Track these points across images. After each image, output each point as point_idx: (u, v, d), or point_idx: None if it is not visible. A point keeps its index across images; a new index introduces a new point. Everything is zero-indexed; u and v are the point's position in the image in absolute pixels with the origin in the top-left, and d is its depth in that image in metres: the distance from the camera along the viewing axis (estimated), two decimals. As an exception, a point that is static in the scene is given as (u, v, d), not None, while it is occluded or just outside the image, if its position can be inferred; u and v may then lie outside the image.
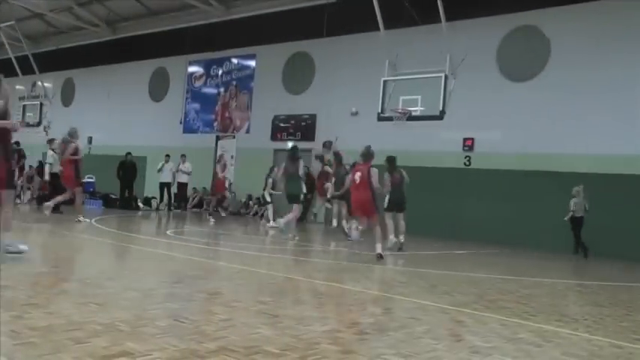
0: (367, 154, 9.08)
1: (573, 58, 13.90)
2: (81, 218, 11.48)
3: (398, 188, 10.55)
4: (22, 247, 5.91)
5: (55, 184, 14.46)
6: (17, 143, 16.33)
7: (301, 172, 11.23)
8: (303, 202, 11.61)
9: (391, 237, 10.29)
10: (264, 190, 14.97)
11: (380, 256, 8.48)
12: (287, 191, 11.32)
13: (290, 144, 18.98)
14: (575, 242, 12.82)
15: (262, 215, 16.26)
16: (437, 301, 5.42)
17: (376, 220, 8.83)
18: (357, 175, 8.99)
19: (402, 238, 10.48)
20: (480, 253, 11.64)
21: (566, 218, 12.70)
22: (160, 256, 7.26)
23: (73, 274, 5.52)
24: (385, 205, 10.49)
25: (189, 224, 14.60)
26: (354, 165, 10.81)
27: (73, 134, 12.07)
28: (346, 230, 11.59)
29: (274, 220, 13.90)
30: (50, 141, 15.10)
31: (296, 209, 11.13)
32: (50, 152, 14.73)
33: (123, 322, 3.59)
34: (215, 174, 16.42)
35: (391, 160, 10.61)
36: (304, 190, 11.40)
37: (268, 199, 14.84)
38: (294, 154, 11.22)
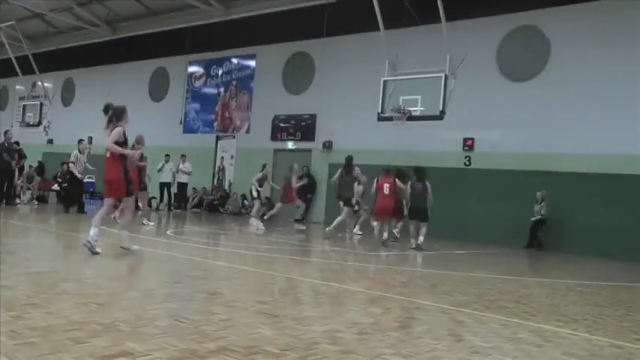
0: (389, 169, 11.41)
1: (573, 57, 13.91)
2: (145, 221, 11.91)
3: (419, 198, 11.01)
4: (135, 247, 7.15)
5: (73, 186, 14.53)
6: (17, 143, 16.33)
7: (358, 179, 12.37)
8: (351, 205, 12.50)
9: (412, 240, 11.02)
10: (252, 184, 14.85)
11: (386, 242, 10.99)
12: (341, 195, 12.76)
13: (290, 144, 19.06)
14: (533, 238, 13.85)
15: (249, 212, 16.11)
16: (437, 301, 5.42)
17: (389, 220, 11.32)
18: (386, 186, 11.09)
19: (421, 238, 10.94)
20: (479, 253, 11.64)
21: (534, 219, 13.72)
22: (160, 256, 7.26)
23: (73, 274, 5.53)
24: (406, 213, 11.32)
25: (189, 224, 14.60)
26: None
27: (139, 140, 12.29)
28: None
29: (264, 217, 14.44)
30: (80, 141, 15.30)
31: (345, 212, 12.27)
32: (75, 152, 14.75)
33: (123, 322, 3.59)
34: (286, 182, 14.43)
35: (418, 170, 11.27)
36: (355, 194, 12.26)
37: (255, 194, 14.76)
38: (348, 163, 12.47)
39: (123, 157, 7.03)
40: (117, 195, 7.21)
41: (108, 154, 7.02)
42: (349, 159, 12.70)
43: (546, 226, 13.70)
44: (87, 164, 14.89)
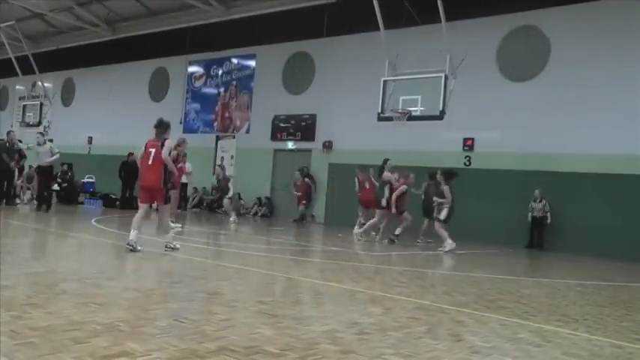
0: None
1: (573, 57, 13.90)
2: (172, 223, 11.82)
3: (454, 201, 11.11)
4: (177, 245, 7.67)
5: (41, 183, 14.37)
6: (20, 141, 16.33)
7: (387, 179, 12.08)
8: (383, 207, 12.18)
9: (450, 241, 10.98)
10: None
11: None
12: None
13: (290, 144, 19.06)
14: (536, 238, 13.86)
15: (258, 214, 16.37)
16: (437, 301, 5.42)
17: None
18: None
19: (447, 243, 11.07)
20: (479, 253, 11.64)
21: (537, 215, 13.76)
22: (159, 256, 7.26)
23: (73, 274, 5.53)
24: (444, 216, 11.05)
25: (189, 224, 14.59)
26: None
27: (180, 143, 12.34)
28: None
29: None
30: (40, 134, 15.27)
31: (377, 215, 12.08)
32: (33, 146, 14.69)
33: (123, 322, 3.59)
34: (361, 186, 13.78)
35: (451, 172, 11.37)
36: (385, 196, 11.97)
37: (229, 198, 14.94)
38: (381, 166, 12.41)
39: (166, 167, 7.43)
40: (153, 202, 7.61)
41: (150, 162, 7.40)
42: (384, 160, 12.55)
43: (549, 223, 13.65)
44: (54, 152, 14.34)
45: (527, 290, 6.84)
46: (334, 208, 17.29)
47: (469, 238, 14.12)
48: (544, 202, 13.64)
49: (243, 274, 6.44)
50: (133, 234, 7.26)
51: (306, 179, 17.69)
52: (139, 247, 7.27)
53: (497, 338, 4.08)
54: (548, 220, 13.62)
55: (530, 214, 13.80)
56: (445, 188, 11.01)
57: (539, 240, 13.80)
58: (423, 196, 12.60)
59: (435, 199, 11.36)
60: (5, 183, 14.38)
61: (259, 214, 18.75)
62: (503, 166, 14.51)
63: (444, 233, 11.05)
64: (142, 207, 7.59)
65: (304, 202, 17.71)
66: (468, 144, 15.38)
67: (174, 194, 12.37)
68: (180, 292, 5.13)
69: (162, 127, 7.62)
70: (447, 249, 10.88)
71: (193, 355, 3.05)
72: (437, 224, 11.14)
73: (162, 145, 7.43)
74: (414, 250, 11.01)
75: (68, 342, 3.07)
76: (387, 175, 12.11)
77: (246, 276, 6.34)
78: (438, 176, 11.31)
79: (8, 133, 15.14)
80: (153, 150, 7.45)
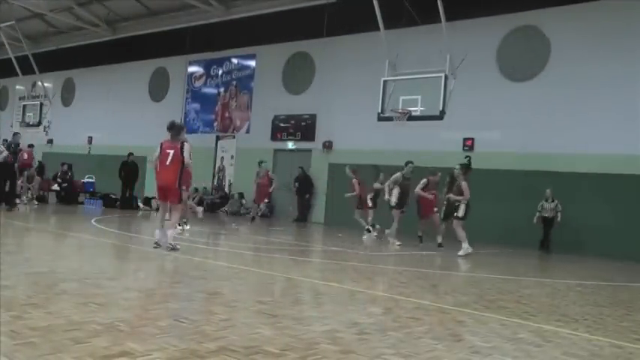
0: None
1: (573, 57, 13.90)
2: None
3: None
4: (178, 246, 7.74)
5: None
6: (31, 145, 16.45)
7: (388, 181, 12.01)
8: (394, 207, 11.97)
9: (468, 246, 10.57)
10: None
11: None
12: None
13: (290, 144, 19.06)
14: (546, 239, 13.67)
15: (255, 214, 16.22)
16: (437, 301, 5.42)
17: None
18: None
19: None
20: (480, 253, 11.63)
21: (548, 215, 13.54)
22: (160, 256, 7.26)
23: (73, 274, 5.53)
24: (463, 213, 10.57)
25: (190, 224, 14.58)
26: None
27: None
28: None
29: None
30: None
31: (395, 217, 11.82)
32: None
33: (123, 322, 3.59)
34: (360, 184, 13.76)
35: (469, 166, 10.75)
36: (394, 198, 11.81)
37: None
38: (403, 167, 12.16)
39: (182, 169, 7.73)
40: (171, 202, 7.88)
41: (168, 162, 7.64)
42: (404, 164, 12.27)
43: (558, 222, 13.45)
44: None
45: (528, 290, 6.84)
46: (334, 209, 17.29)
47: (469, 238, 14.09)
48: (556, 202, 13.40)
49: (243, 274, 6.44)
50: (169, 233, 7.71)
51: (270, 174, 16.07)
52: (178, 246, 7.73)
53: (497, 338, 4.08)
54: (558, 219, 13.39)
55: (539, 213, 13.57)
56: (464, 184, 10.41)
57: (544, 240, 13.67)
58: (445, 202, 12.40)
59: (450, 196, 10.83)
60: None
61: (259, 214, 18.73)
62: (503, 166, 14.50)
63: (463, 234, 10.59)
64: (162, 205, 8.01)
65: (267, 200, 16.53)
66: (468, 144, 15.38)
67: (185, 195, 12.35)
68: (180, 292, 5.13)
69: (174, 129, 7.81)
70: (461, 253, 10.46)
71: (193, 355, 3.05)
72: (456, 222, 10.65)
73: (182, 147, 7.66)
74: (414, 250, 11.01)
75: (68, 342, 3.07)
76: (396, 175, 12.10)
77: (246, 276, 6.34)
78: (456, 171, 10.63)
79: (14, 135, 15.28)
80: (171, 151, 7.66)
